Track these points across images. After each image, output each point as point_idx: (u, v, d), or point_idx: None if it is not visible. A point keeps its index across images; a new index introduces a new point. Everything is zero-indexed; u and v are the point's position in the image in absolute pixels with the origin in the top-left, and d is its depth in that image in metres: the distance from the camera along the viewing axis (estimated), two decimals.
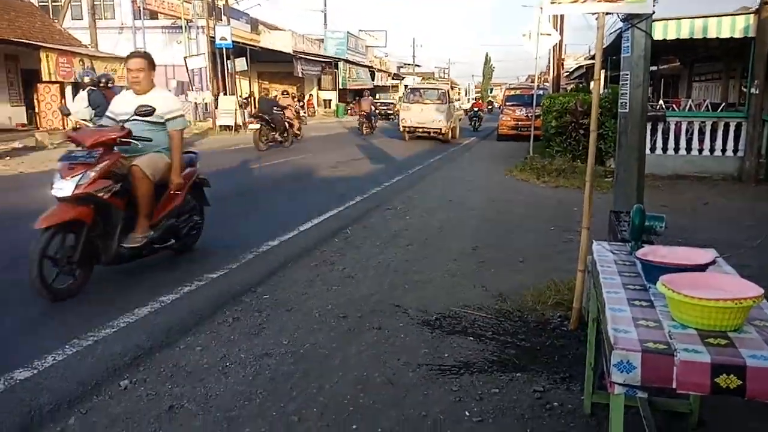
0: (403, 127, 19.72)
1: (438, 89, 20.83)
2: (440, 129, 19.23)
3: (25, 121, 21.08)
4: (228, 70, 25.18)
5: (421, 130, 19.48)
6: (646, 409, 2.54)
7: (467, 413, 2.74)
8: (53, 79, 19.72)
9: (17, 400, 2.82)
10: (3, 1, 21.90)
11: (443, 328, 3.74)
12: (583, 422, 2.67)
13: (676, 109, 14.81)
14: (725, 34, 9.78)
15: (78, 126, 8.99)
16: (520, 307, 4.06)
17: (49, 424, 2.64)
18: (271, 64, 33.58)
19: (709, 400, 2.68)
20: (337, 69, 38.11)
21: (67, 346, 3.40)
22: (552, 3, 3.86)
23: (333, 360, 3.29)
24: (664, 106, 14.47)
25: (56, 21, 24.45)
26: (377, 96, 44.20)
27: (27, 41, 19.48)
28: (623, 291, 2.11)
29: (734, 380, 1.57)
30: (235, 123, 22.20)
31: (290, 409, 2.77)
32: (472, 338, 3.57)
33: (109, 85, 10.01)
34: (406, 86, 29.61)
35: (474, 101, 36.45)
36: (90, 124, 8.70)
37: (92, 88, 9.64)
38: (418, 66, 68.98)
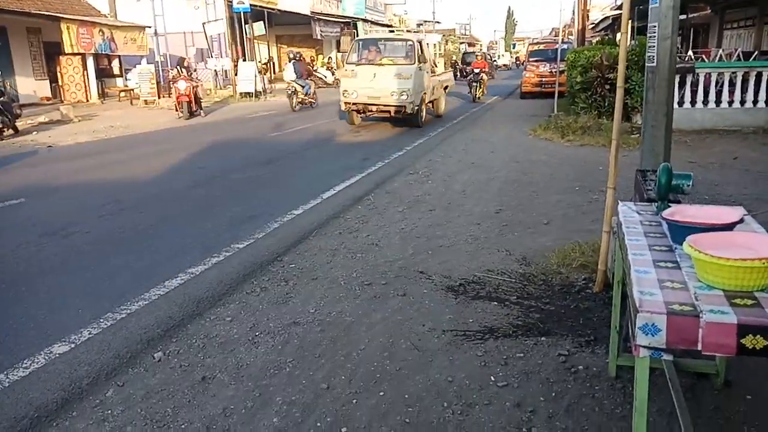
0: (345, 104, 12.72)
1: (403, 41, 13.21)
2: (403, 105, 12.17)
3: (49, 94, 21.34)
4: (246, 35, 24.96)
5: (375, 108, 12.62)
6: (671, 370, 2.54)
7: (492, 378, 2.78)
8: (75, 51, 19.85)
9: (57, 374, 2.94)
10: None
11: (467, 293, 3.76)
12: (608, 385, 2.69)
13: (705, 59, 14.30)
14: None
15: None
16: (544, 270, 4.06)
17: (88, 396, 2.75)
18: (290, 26, 33.18)
19: (735, 361, 2.67)
20: (356, 29, 37.50)
21: (101, 320, 3.52)
22: None
23: (359, 327, 3.35)
24: (693, 57, 14.00)
25: None
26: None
27: (48, 13, 19.54)
28: (649, 252, 2.09)
29: (761, 341, 1.55)
30: (255, 89, 22.13)
31: (319, 376, 2.84)
32: (496, 303, 3.59)
33: (299, 59, 17.77)
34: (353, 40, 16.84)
35: (475, 59, 23.67)
36: (297, 84, 17.25)
37: (295, 60, 17.49)
38: (438, 23, 67.46)
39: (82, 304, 3.81)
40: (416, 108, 12.44)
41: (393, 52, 13.16)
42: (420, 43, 13.14)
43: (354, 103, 12.68)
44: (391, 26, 46.11)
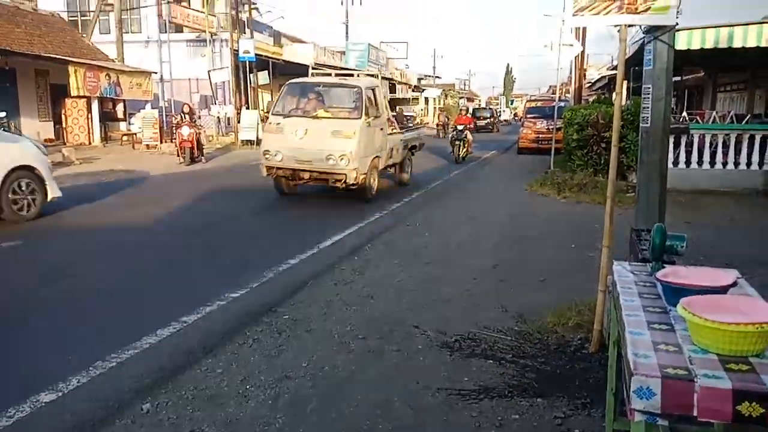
0: (267, 168, 9.59)
1: (349, 88, 10.19)
2: (343, 172, 9.04)
3: (53, 136, 21.58)
4: (251, 83, 25.51)
5: (306, 174, 9.38)
6: None
7: None
8: (81, 94, 20.20)
9: (41, 425, 2.87)
10: (35, 17, 22.54)
11: (463, 350, 3.72)
12: None
13: (699, 121, 14.61)
14: (752, 43, 9.61)
15: None
16: (540, 328, 4.03)
17: None
18: (293, 77, 33.82)
19: (736, 430, 2.62)
20: None
21: (91, 368, 3.46)
22: (574, 15, 3.85)
23: (352, 383, 3.30)
24: (687, 119, 14.30)
25: (85, 36, 25.06)
26: (397, 108, 44.26)
27: (56, 56, 19.98)
28: (643, 313, 2.09)
29: (757, 408, 1.53)
30: (257, 137, 22.42)
31: None
32: (491, 361, 3.55)
33: None
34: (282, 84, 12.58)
35: (459, 113, 21.13)
36: None
37: None
38: (438, 77, 69.09)
39: (72, 350, 3.75)
40: (363, 176, 9.30)
41: (335, 101, 10.21)
42: (373, 90, 10.25)
43: (279, 168, 9.50)
44: (392, 79, 47.23)
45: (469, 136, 17.65)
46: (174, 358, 3.62)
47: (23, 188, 7.72)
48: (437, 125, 31.96)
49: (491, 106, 50.83)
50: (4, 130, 13.14)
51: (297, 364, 3.54)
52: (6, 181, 7.46)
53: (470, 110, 29.55)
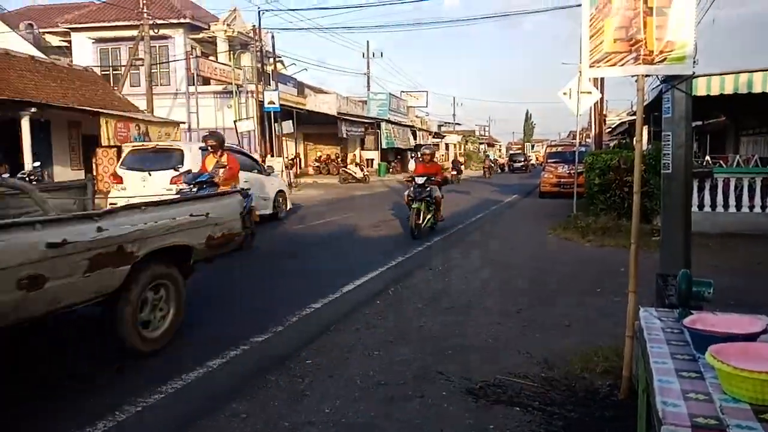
0: None
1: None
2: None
3: None
4: (275, 132, 26.10)
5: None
6: None
7: None
8: (111, 144, 20.85)
9: None
10: (70, 72, 23.54)
11: (488, 397, 3.67)
12: None
13: (723, 165, 14.49)
14: None
15: None
16: (566, 374, 3.96)
17: None
18: (317, 125, 34.67)
19: None
20: (380, 129, 38.99)
21: (117, 413, 3.48)
22: (591, 67, 3.92)
23: (375, 430, 3.26)
24: (711, 162, 14.21)
25: (116, 88, 26.04)
26: (418, 154, 44.74)
27: (89, 108, 20.76)
28: (671, 361, 2.06)
29: None
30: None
31: None
32: (518, 408, 3.49)
33: None
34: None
35: (420, 159, 13.01)
36: None
37: None
38: (458, 124, 69.92)
39: (96, 398, 3.78)
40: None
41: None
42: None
43: None
44: (413, 127, 47.91)
45: (438, 193, 11.13)
46: (198, 403, 3.63)
47: (280, 201, 13.76)
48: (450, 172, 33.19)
49: (524, 153, 64.62)
50: (38, 179, 13.58)
51: (320, 410, 3.52)
52: (276, 197, 13.51)
53: (507, 154, 39.30)
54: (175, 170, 10.37)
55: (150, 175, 10.80)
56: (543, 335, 4.90)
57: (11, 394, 3.83)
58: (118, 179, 11.29)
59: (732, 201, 10.35)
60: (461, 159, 46.84)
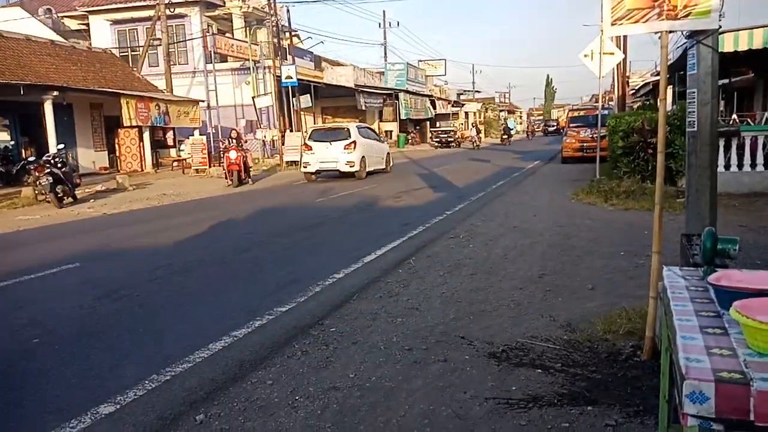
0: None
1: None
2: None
3: (107, 165, 22.53)
4: (293, 107, 26.09)
5: None
6: None
7: None
8: (132, 124, 21.09)
9: None
10: (89, 55, 23.74)
11: (510, 360, 3.69)
12: None
13: (751, 122, 14.10)
14: None
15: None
16: (589, 337, 3.95)
17: None
18: (334, 98, 34.55)
19: None
20: (398, 100, 38.69)
21: (146, 382, 3.58)
22: (613, 24, 3.82)
23: (399, 393, 3.31)
24: (738, 121, 13.83)
25: (135, 69, 26.21)
26: (438, 124, 44.49)
27: (110, 90, 20.96)
28: (695, 318, 2.04)
29: None
30: (301, 158, 22.86)
31: None
32: (540, 370, 3.50)
33: None
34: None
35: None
36: None
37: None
38: (478, 92, 68.95)
39: (128, 365, 3.90)
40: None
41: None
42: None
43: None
44: (432, 96, 47.42)
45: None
46: (226, 370, 3.71)
47: (389, 159, 19.72)
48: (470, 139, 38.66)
49: (556, 119, 71.49)
50: (63, 162, 13.82)
51: (344, 375, 3.58)
52: (387, 157, 19.44)
53: (542, 123, 44.98)
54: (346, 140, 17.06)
55: (331, 144, 17.08)
56: (566, 299, 4.89)
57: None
58: (309, 147, 17.39)
59: (760, 159, 10.08)
60: (480, 126, 50.78)
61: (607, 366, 3.51)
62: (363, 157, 17.28)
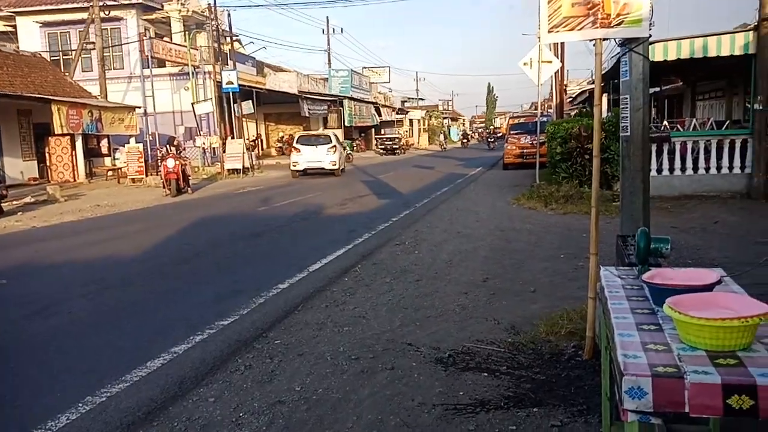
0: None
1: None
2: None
3: (37, 175, 21.47)
4: (235, 113, 25.62)
5: None
6: None
7: None
8: (64, 132, 20.17)
9: None
10: (17, 58, 22.59)
11: (457, 364, 3.70)
12: None
13: (680, 129, 14.83)
14: (725, 52, 9.84)
15: None
16: (533, 338, 4.02)
17: None
18: (278, 105, 34.17)
19: (730, 427, 2.61)
20: (342, 107, 38.64)
21: (80, 404, 3.39)
22: (549, 32, 3.91)
23: (347, 404, 3.26)
24: (668, 127, 14.51)
25: (67, 74, 25.11)
26: (382, 131, 44.68)
27: (39, 95, 19.99)
28: (632, 316, 2.10)
29: (747, 400, 1.54)
30: (243, 166, 22.47)
31: None
32: (486, 374, 3.53)
33: None
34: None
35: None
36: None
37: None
38: (422, 99, 69.75)
39: (61, 387, 3.69)
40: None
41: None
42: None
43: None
44: (376, 103, 47.61)
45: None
46: (165, 389, 3.56)
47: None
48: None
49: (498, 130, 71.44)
50: None
51: (290, 388, 3.49)
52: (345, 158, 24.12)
53: (472, 128, 49.15)
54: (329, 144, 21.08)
55: (317, 147, 20.90)
56: (509, 302, 4.96)
57: None
58: (297, 150, 21.02)
59: (689, 164, 10.60)
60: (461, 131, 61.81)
61: (550, 367, 3.57)
62: (340, 158, 21.50)
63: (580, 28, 3.83)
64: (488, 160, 26.25)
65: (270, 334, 4.47)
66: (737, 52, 9.83)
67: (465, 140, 52.94)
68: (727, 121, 15.82)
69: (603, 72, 4.24)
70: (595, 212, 3.80)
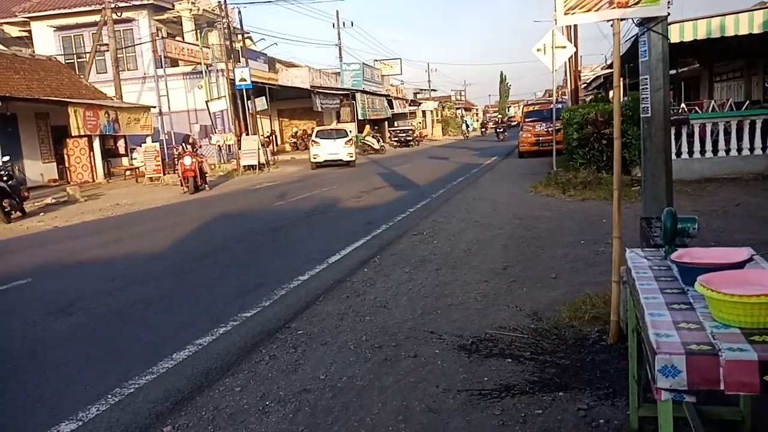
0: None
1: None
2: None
3: (56, 176, 21.75)
4: (249, 110, 25.70)
5: None
6: (695, 418, 2.45)
7: None
8: (81, 133, 20.38)
9: None
10: (33, 62, 22.86)
11: (480, 351, 3.69)
12: None
13: (698, 111, 14.59)
14: (743, 31, 9.62)
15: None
16: (556, 324, 3.99)
17: None
18: (290, 101, 34.20)
19: (761, 407, 2.58)
20: (355, 100, 38.58)
21: (109, 396, 3.45)
22: (565, 14, 3.86)
23: (372, 391, 3.27)
24: (686, 109, 14.29)
25: (82, 76, 25.35)
26: (395, 123, 44.57)
27: (56, 98, 20.21)
28: (661, 295, 2.07)
29: None
30: (259, 162, 22.56)
31: None
32: (510, 360, 3.51)
33: None
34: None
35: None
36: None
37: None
38: (434, 90, 69.46)
39: (89, 380, 3.74)
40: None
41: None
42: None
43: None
44: (388, 96, 47.50)
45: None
46: (192, 380, 3.60)
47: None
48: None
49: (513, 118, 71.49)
50: (9, 174, 13.26)
51: (315, 377, 3.52)
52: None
53: (485, 117, 50.41)
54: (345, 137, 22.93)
55: (335, 140, 22.62)
56: (530, 289, 4.93)
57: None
58: (317, 143, 22.83)
59: (708, 146, 10.43)
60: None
61: (575, 352, 3.55)
62: (355, 150, 23.65)
63: (597, 9, 3.77)
64: (503, 149, 26.08)
65: (293, 324, 4.50)
66: (756, 31, 9.61)
67: (483, 129, 58.19)
68: (747, 102, 15.53)
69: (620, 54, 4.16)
70: (617, 194, 3.76)
